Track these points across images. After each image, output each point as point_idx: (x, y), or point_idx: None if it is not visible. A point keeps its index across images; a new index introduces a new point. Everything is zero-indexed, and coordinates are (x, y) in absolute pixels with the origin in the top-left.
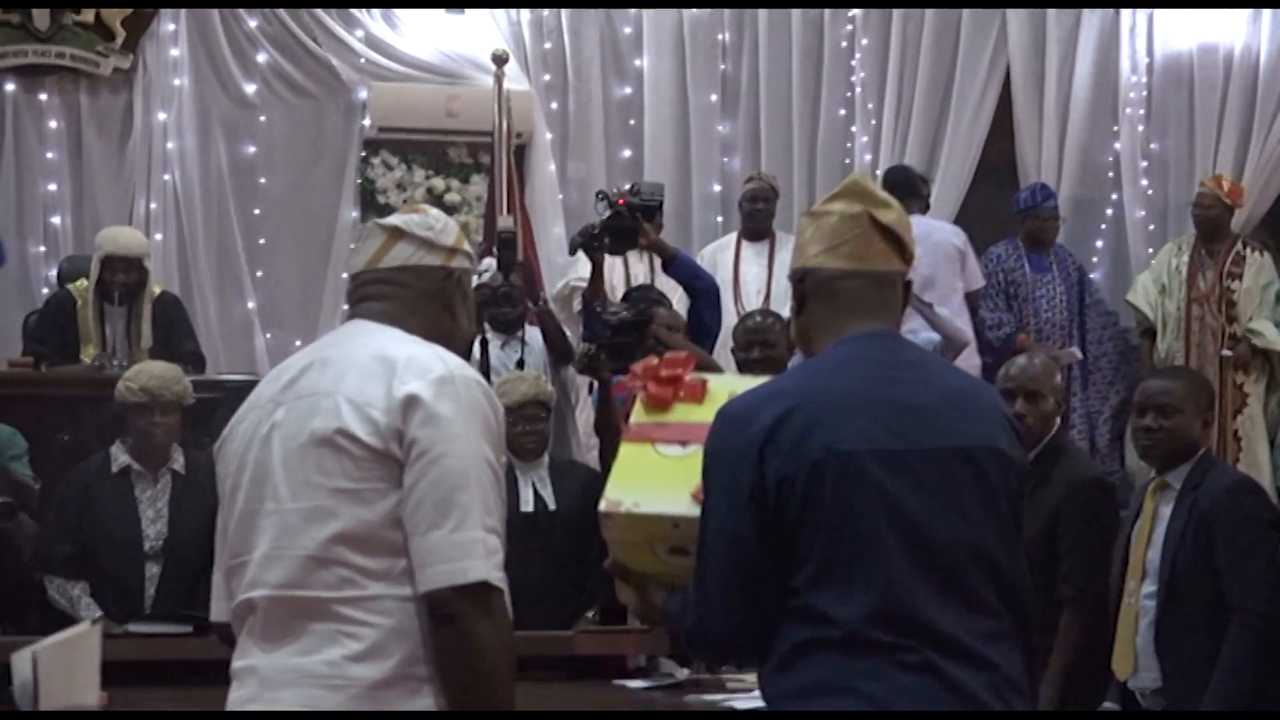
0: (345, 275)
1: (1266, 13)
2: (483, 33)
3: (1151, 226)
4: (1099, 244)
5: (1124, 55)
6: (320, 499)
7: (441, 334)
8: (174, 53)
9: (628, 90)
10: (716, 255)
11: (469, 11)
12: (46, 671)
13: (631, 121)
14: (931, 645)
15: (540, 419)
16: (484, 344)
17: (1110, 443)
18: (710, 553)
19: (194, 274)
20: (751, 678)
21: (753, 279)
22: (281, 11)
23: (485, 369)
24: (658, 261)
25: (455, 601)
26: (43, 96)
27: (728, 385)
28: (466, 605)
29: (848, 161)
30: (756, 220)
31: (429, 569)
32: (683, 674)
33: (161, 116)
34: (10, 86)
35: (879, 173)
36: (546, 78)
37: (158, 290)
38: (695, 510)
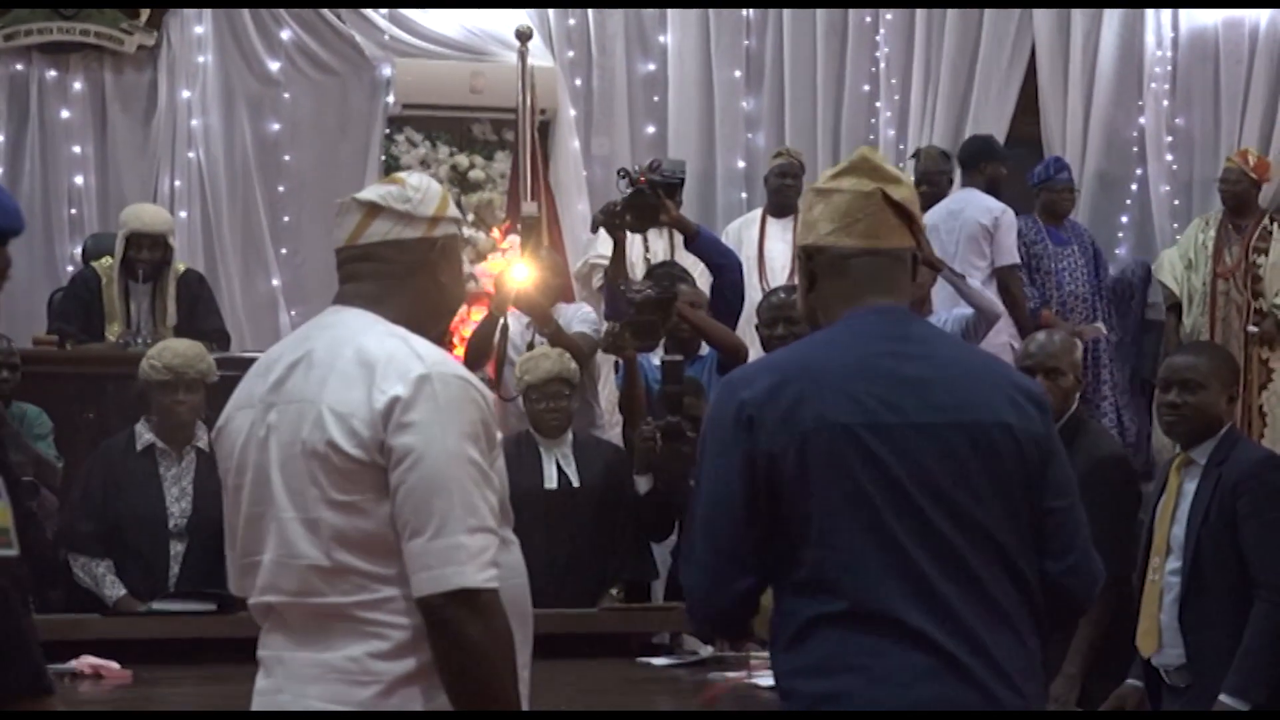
0: None
1: None
2: (507, 9)
3: (1176, 201)
4: (1124, 219)
5: (1149, 30)
6: (318, 511)
7: (429, 306)
8: (198, 30)
9: (652, 66)
10: (741, 232)
11: None
12: None
13: (655, 98)
14: (930, 621)
15: (564, 396)
16: (504, 328)
17: (1132, 417)
18: (700, 519)
19: (218, 251)
20: None
21: (778, 255)
22: None
23: (502, 353)
24: (678, 238)
25: (445, 607)
26: (67, 74)
27: None
28: (456, 610)
29: (872, 137)
30: (784, 195)
31: (415, 576)
32: (706, 651)
33: (186, 94)
34: (35, 64)
35: (903, 148)
36: (570, 54)
37: (182, 268)
38: None
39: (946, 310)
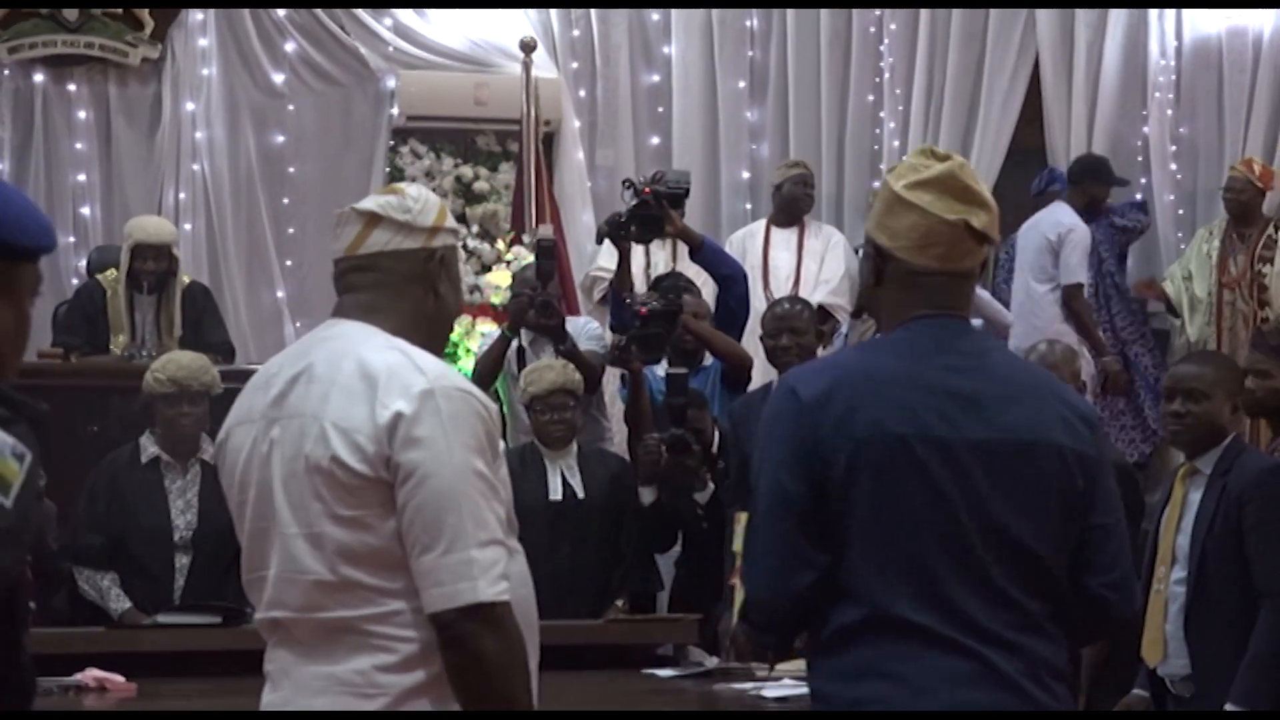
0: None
1: None
2: (511, 20)
3: (1181, 211)
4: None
5: (1153, 39)
6: (323, 526)
7: (426, 317)
8: (202, 42)
9: (656, 77)
10: (746, 242)
11: None
12: None
13: (660, 109)
14: (966, 631)
15: (568, 407)
16: (520, 350)
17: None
18: (761, 519)
19: (223, 263)
20: (783, 666)
21: (783, 264)
22: None
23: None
24: (681, 249)
25: (459, 622)
26: (72, 87)
27: None
28: (471, 625)
29: (876, 148)
30: (800, 205)
31: (427, 592)
32: (712, 662)
33: (190, 106)
34: (39, 77)
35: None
36: (575, 65)
37: (187, 280)
38: None
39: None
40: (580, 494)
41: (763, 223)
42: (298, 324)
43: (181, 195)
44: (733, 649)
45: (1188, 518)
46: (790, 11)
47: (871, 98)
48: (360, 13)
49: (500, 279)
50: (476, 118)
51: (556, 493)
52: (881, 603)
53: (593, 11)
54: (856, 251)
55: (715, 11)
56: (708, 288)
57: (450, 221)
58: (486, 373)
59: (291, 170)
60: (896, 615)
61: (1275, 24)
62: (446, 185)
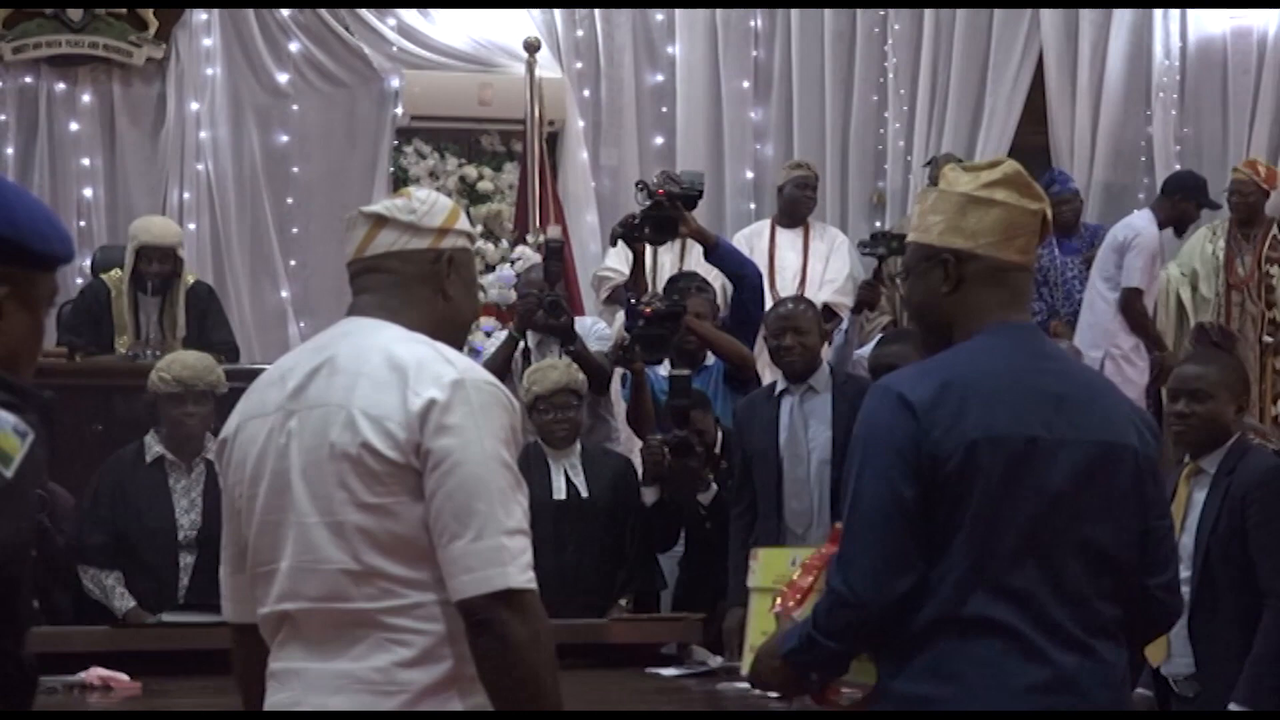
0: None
1: None
2: (515, 21)
3: None
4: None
5: (1157, 39)
6: (348, 514)
7: (439, 318)
8: (206, 42)
9: (660, 77)
10: (751, 241)
11: None
12: None
13: (664, 109)
14: (1045, 634)
15: (572, 406)
16: (526, 351)
17: None
18: (864, 521)
19: (227, 263)
20: None
21: (788, 264)
22: None
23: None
24: (689, 250)
25: (488, 609)
26: (76, 87)
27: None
28: (500, 611)
29: (880, 148)
30: (802, 207)
31: (456, 579)
32: (715, 661)
33: (194, 106)
34: (44, 77)
35: (910, 159)
36: (579, 65)
37: (191, 280)
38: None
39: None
40: (584, 493)
41: (768, 223)
42: (302, 324)
43: (186, 195)
44: (759, 686)
45: (1192, 517)
46: (794, 11)
47: (875, 97)
48: (364, 13)
49: (505, 278)
50: (481, 118)
51: (560, 492)
52: (971, 601)
53: (597, 11)
54: (863, 249)
55: (719, 11)
56: (717, 283)
57: (462, 224)
58: (495, 372)
59: (296, 170)
60: (984, 614)
61: None
62: (450, 185)
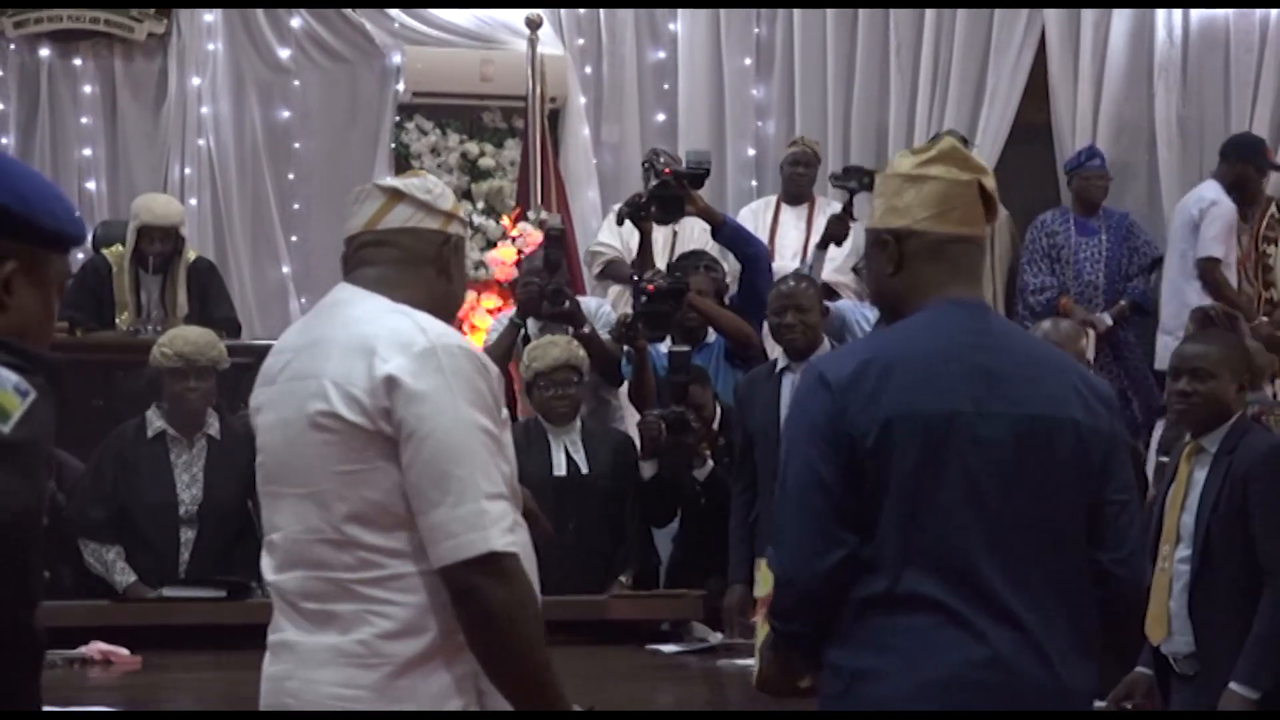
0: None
1: None
2: None
3: (1186, 189)
4: (1132, 207)
5: (1159, 18)
6: (325, 483)
7: (435, 299)
8: (208, 18)
9: (662, 54)
10: (756, 217)
11: None
12: None
13: (666, 86)
14: (983, 607)
15: (572, 383)
16: (525, 339)
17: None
18: (790, 502)
19: (229, 239)
20: None
21: (790, 241)
22: None
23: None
24: (683, 231)
25: (470, 574)
26: (77, 61)
27: None
28: (481, 577)
29: (882, 125)
30: (796, 184)
31: (437, 546)
32: (715, 638)
33: (196, 81)
34: (45, 52)
35: (913, 136)
36: (580, 42)
37: (193, 256)
38: None
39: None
40: (584, 469)
41: (773, 199)
42: (303, 299)
43: (187, 170)
44: (765, 690)
45: (1193, 496)
46: None
47: (878, 75)
48: None
49: (506, 255)
50: (482, 94)
51: (561, 468)
52: (903, 578)
53: None
54: (834, 181)
55: None
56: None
57: (462, 213)
58: (497, 360)
59: (297, 146)
60: (916, 591)
61: None
62: (452, 161)
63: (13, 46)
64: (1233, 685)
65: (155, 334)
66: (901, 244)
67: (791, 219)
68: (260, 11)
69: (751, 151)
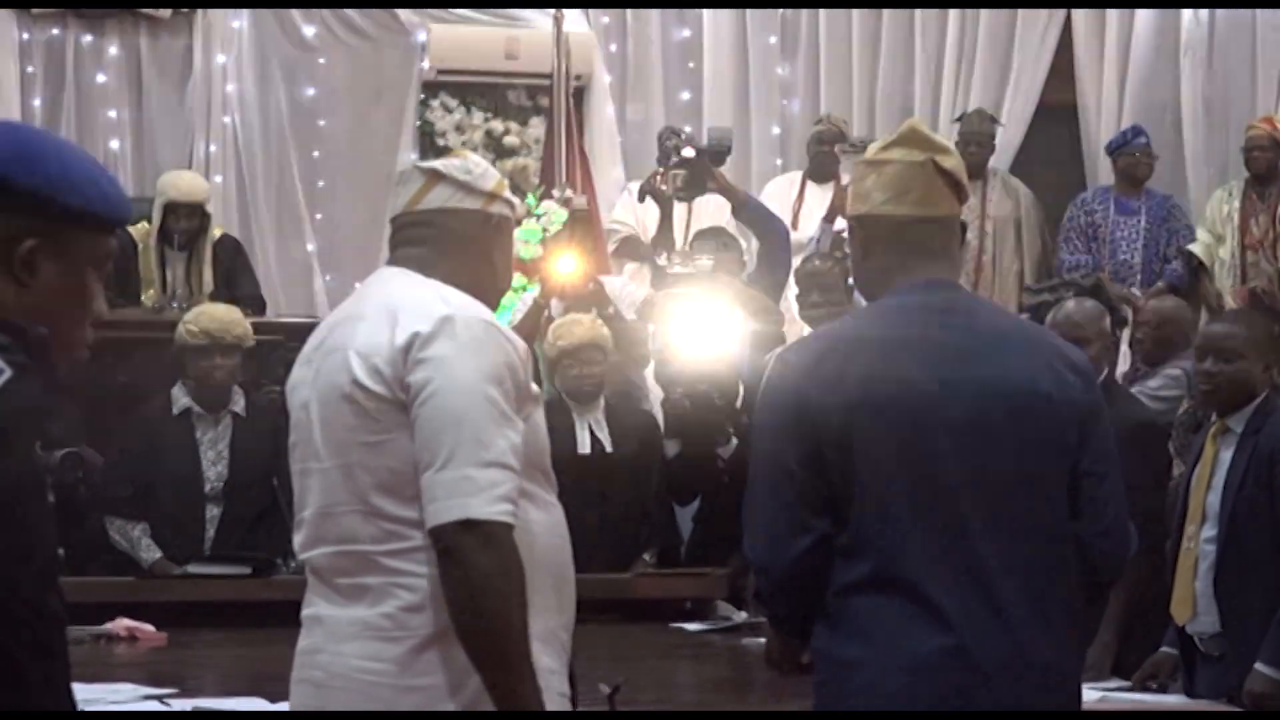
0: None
1: None
2: None
3: (1212, 169)
4: (1159, 188)
5: None
6: (352, 455)
7: (477, 280)
8: None
9: (687, 32)
10: (781, 194)
11: None
12: None
13: (691, 64)
14: (947, 589)
15: (596, 362)
16: (549, 319)
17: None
18: (759, 489)
19: (253, 216)
20: None
21: (815, 220)
22: None
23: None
24: (698, 209)
25: (449, 535)
26: (103, 39)
27: None
28: (463, 538)
29: (908, 104)
30: (821, 162)
31: (426, 509)
32: (740, 617)
33: (221, 59)
34: (71, 29)
35: (938, 115)
36: (605, 20)
37: (218, 233)
38: None
39: None
40: (608, 448)
41: (799, 175)
42: (327, 277)
43: (212, 148)
44: (770, 665)
45: (1219, 476)
46: None
47: (903, 53)
48: None
49: (530, 234)
50: (507, 72)
51: (585, 446)
52: (880, 563)
53: None
54: (843, 152)
55: None
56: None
57: (507, 194)
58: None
59: (322, 124)
60: (893, 575)
61: None
62: (477, 139)
63: (38, 24)
64: (1259, 666)
65: (180, 311)
66: (865, 230)
67: (817, 197)
68: None
69: (776, 130)
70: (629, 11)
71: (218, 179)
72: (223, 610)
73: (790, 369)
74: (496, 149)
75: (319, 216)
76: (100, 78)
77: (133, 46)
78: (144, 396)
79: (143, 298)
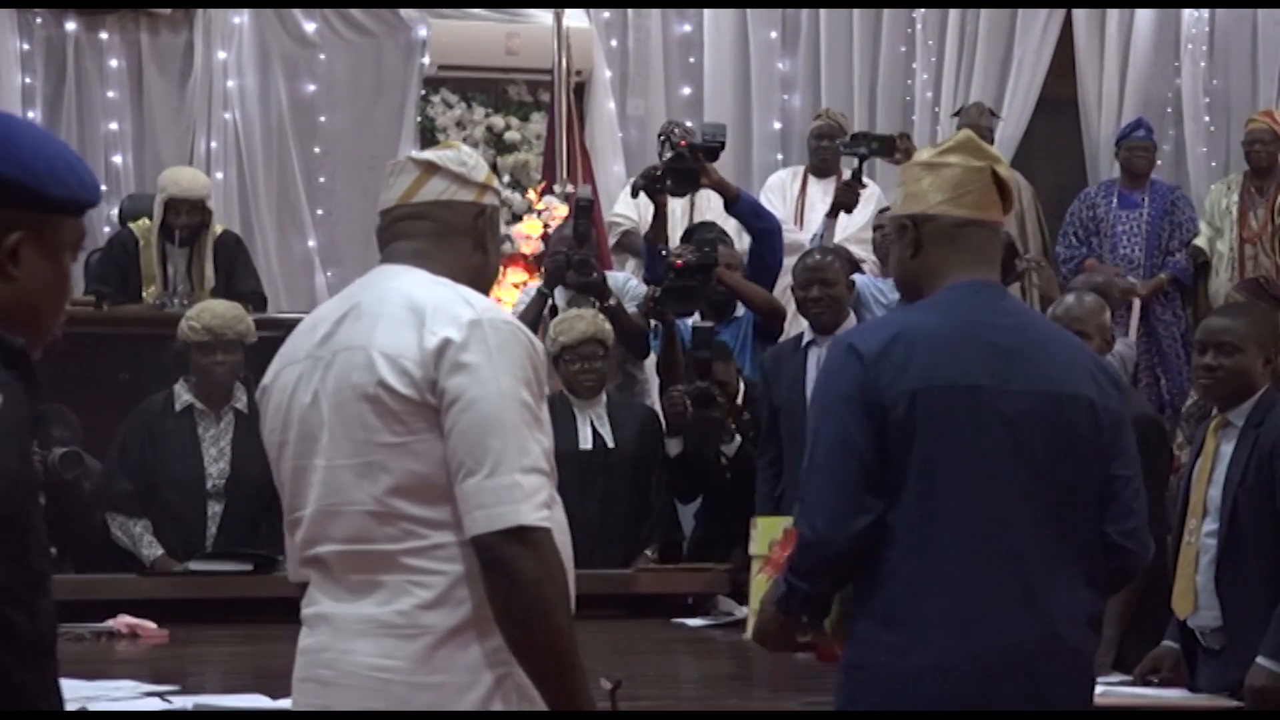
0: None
1: None
2: None
3: (1213, 164)
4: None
5: None
6: (371, 454)
7: (471, 271)
8: None
9: (687, 27)
10: (783, 188)
11: None
12: None
13: (691, 59)
14: (1003, 574)
15: (598, 357)
16: (554, 310)
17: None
18: (820, 465)
19: (254, 212)
20: None
21: (817, 215)
22: None
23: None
24: (701, 202)
25: (500, 544)
26: (104, 35)
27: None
28: (511, 547)
29: (908, 98)
30: (821, 158)
31: (469, 515)
32: (741, 612)
33: (222, 55)
34: (71, 25)
35: (938, 110)
36: (606, 15)
37: (219, 230)
38: None
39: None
40: (610, 443)
41: (801, 170)
42: (329, 273)
43: (213, 144)
44: (762, 643)
45: (1219, 470)
46: None
47: (904, 48)
48: None
49: (531, 229)
50: (508, 67)
51: (587, 442)
52: (924, 549)
53: None
54: (844, 149)
55: None
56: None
57: (496, 184)
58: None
59: (323, 119)
60: (938, 566)
61: None
62: (478, 135)
63: (39, 20)
64: (1260, 659)
65: (182, 307)
66: (919, 228)
67: (819, 192)
68: None
69: (777, 125)
70: (629, 7)
71: (219, 175)
72: (224, 607)
73: (859, 354)
74: (497, 144)
75: (320, 212)
76: (101, 74)
77: (133, 42)
78: (146, 393)
79: (144, 294)
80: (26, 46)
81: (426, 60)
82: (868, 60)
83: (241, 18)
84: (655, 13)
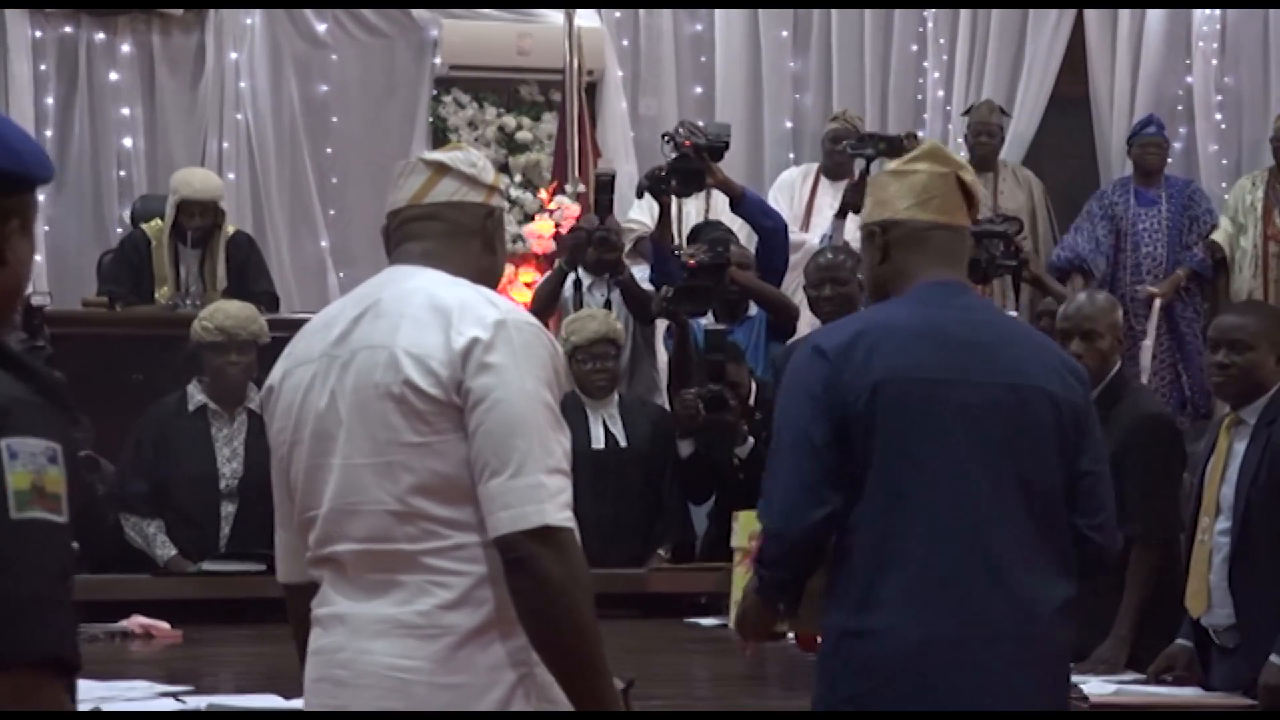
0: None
1: None
2: None
3: (1225, 161)
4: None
5: None
6: (392, 454)
7: (481, 271)
8: None
9: (699, 27)
10: (794, 187)
11: None
12: None
13: (703, 58)
14: (967, 565)
15: (610, 356)
16: (576, 284)
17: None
18: (782, 461)
19: (267, 213)
20: None
21: (826, 216)
22: None
23: (579, 307)
24: (714, 201)
25: (525, 545)
26: (115, 36)
27: None
28: (536, 547)
29: (920, 97)
30: (836, 160)
31: (494, 516)
32: None
33: (234, 56)
34: (83, 26)
35: (950, 108)
36: (617, 15)
37: (231, 230)
38: None
39: None
40: (623, 442)
41: (813, 169)
42: (341, 273)
43: (225, 145)
44: (741, 630)
45: (1232, 468)
46: None
47: (915, 47)
48: None
49: (543, 228)
50: (519, 67)
51: (599, 441)
52: (893, 535)
53: None
54: (851, 149)
55: None
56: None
57: (502, 186)
58: (544, 303)
59: (334, 120)
60: (905, 548)
61: None
62: (489, 135)
63: (51, 21)
64: (1274, 657)
65: (194, 308)
66: (887, 234)
67: (830, 193)
68: None
69: (789, 124)
70: (641, 6)
71: (230, 176)
72: (238, 607)
73: (823, 352)
74: (509, 145)
75: (332, 213)
76: (113, 75)
77: (145, 44)
78: (159, 394)
79: (156, 295)
80: (39, 48)
81: (438, 60)
82: (879, 59)
83: (253, 18)
84: (666, 12)
